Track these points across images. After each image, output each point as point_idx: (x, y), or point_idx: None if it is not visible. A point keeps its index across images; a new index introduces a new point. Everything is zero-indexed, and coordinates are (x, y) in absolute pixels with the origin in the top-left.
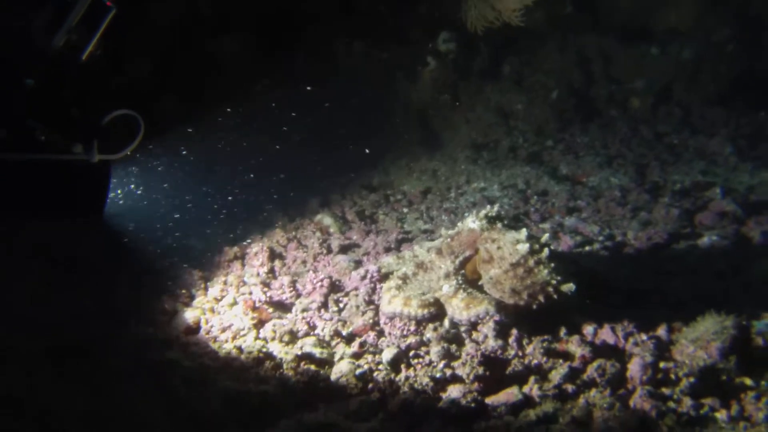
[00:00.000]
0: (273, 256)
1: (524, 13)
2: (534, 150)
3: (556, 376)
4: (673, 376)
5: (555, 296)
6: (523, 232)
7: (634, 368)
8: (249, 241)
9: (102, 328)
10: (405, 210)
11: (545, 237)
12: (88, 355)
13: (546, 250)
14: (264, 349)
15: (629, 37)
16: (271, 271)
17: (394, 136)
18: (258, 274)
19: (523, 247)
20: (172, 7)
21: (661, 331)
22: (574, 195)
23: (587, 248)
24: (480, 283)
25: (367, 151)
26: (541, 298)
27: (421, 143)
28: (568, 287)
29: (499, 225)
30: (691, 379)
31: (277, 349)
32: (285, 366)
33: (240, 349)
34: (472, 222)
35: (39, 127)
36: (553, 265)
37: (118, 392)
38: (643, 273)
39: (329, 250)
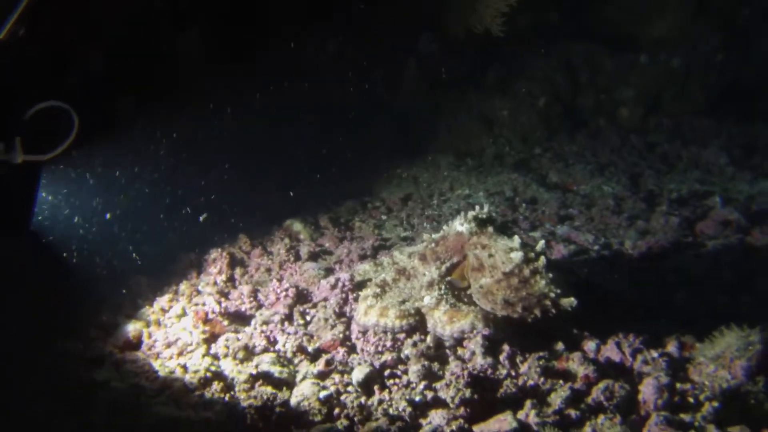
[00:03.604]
0: (234, 263)
1: (505, 22)
2: (521, 157)
3: (556, 399)
4: (692, 400)
5: (553, 311)
6: (516, 240)
7: (647, 390)
8: (209, 247)
9: (21, 343)
10: (383, 217)
11: (540, 244)
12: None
13: (542, 259)
14: (213, 368)
15: (617, 46)
16: (231, 279)
17: (371, 141)
18: (215, 283)
19: (517, 255)
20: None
21: (672, 348)
22: (565, 203)
23: (582, 257)
24: (469, 292)
25: (343, 156)
26: (537, 312)
27: (401, 149)
28: (569, 302)
29: (489, 229)
30: (715, 404)
31: (229, 367)
32: (237, 387)
33: (184, 367)
34: (459, 225)
35: None
36: (551, 275)
37: (26, 418)
38: (645, 284)
39: (297, 257)
